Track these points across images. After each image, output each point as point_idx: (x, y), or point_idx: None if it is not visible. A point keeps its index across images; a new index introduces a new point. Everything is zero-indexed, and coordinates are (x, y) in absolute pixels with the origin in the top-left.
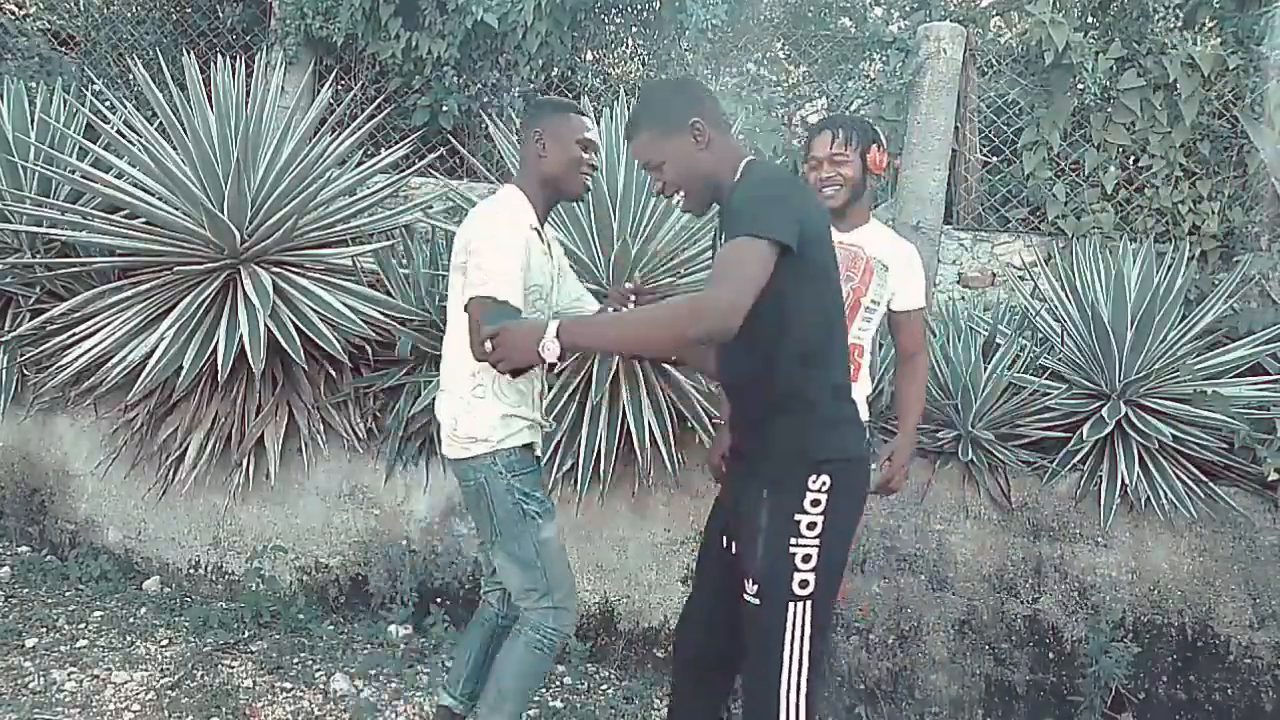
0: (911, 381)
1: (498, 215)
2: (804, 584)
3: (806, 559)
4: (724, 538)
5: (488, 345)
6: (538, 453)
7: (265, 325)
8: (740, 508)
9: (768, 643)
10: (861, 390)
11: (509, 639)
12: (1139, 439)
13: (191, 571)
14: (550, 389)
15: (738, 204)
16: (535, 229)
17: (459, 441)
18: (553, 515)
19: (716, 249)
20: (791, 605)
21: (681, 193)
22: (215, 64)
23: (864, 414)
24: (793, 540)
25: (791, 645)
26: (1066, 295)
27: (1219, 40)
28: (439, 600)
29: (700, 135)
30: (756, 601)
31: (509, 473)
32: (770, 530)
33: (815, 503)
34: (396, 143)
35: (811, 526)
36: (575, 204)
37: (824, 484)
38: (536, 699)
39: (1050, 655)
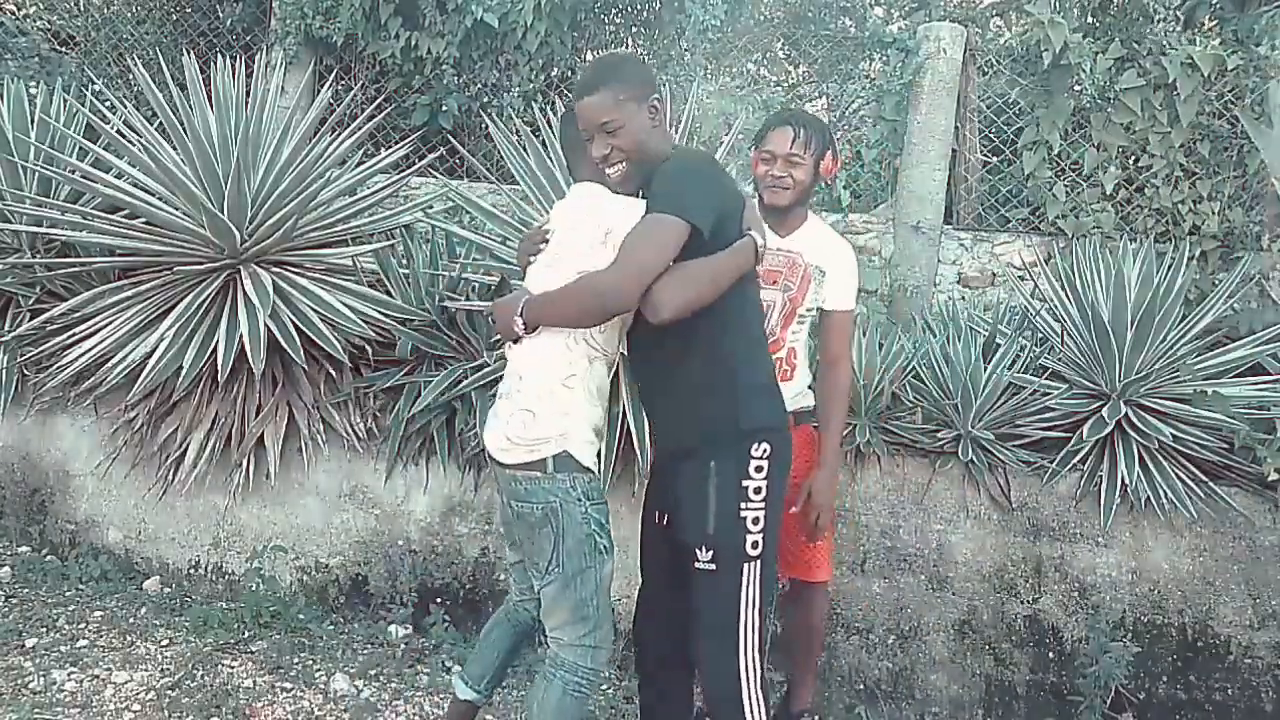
0: (833, 394)
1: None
2: (755, 545)
3: (756, 521)
4: (661, 516)
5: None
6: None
7: (265, 325)
8: (679, 490)
9: (726, 604)
10: (796, 387)
11: (544, 682)
12: (1139, 439)
13: (191, 571)
14: None
15: (658, 183)
16: None
17: (524, 445)
18: (612, 552)
19: None
20: (746, 566)
21: (622, 165)
22: (215, 64)
23: (801, 407)
24: (742, 505)
25: (747, 604)
26: (1066, 295)
27: (1219, 40)
28: (439, 600)
29: (655, 113)
30: (712, 566)
31: (586, 500)
32: (720, 497)
33: (759, 468)
34: (396, 143)
35: (758, 491)
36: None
37: (765, 450)
38: None
39: (1050, 655)
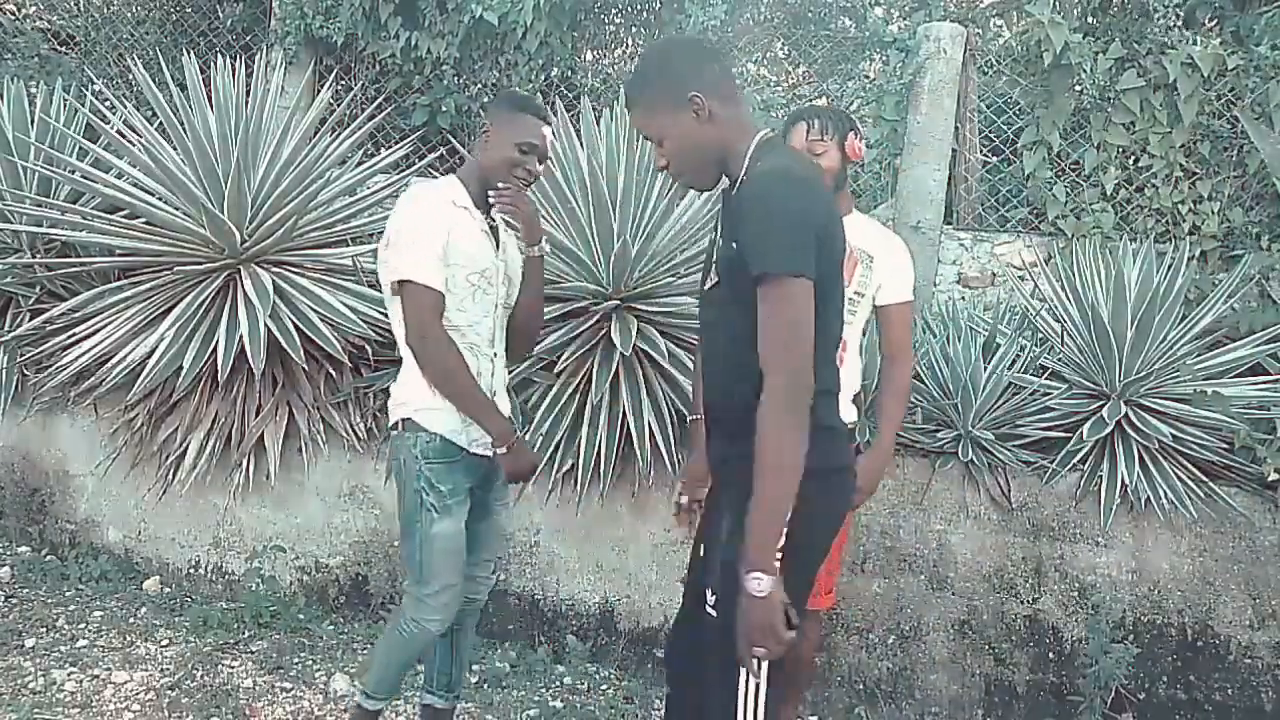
0: (891, 392)
1: (408, 204)
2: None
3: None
4: (701, 547)
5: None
6: (479, 451)
7: (265, 325)
8: (708, 523)
9: (722, 661)
10: (847, 387)
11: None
12: (1139, 439)
13: (191, 571)
14: (550, 389)
15: (755, 229)
16: (464, 207)
17: (392, 407)
18: (453, 514)
19: (715, 242)
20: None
21: (681, 172)
22: (215, 64)
23: (850, 415)
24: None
25: (748, 670)
26: (1066, 295)
27: (1219, 40)
28: None
29: (700, 110)
30: (714, 614)
31: (423, 459)
32: (730, 541)
33: None
34: (396, 143)
35: None
36: (575, 203)
37: None
38: (536, 699)
39: (1050, 655)
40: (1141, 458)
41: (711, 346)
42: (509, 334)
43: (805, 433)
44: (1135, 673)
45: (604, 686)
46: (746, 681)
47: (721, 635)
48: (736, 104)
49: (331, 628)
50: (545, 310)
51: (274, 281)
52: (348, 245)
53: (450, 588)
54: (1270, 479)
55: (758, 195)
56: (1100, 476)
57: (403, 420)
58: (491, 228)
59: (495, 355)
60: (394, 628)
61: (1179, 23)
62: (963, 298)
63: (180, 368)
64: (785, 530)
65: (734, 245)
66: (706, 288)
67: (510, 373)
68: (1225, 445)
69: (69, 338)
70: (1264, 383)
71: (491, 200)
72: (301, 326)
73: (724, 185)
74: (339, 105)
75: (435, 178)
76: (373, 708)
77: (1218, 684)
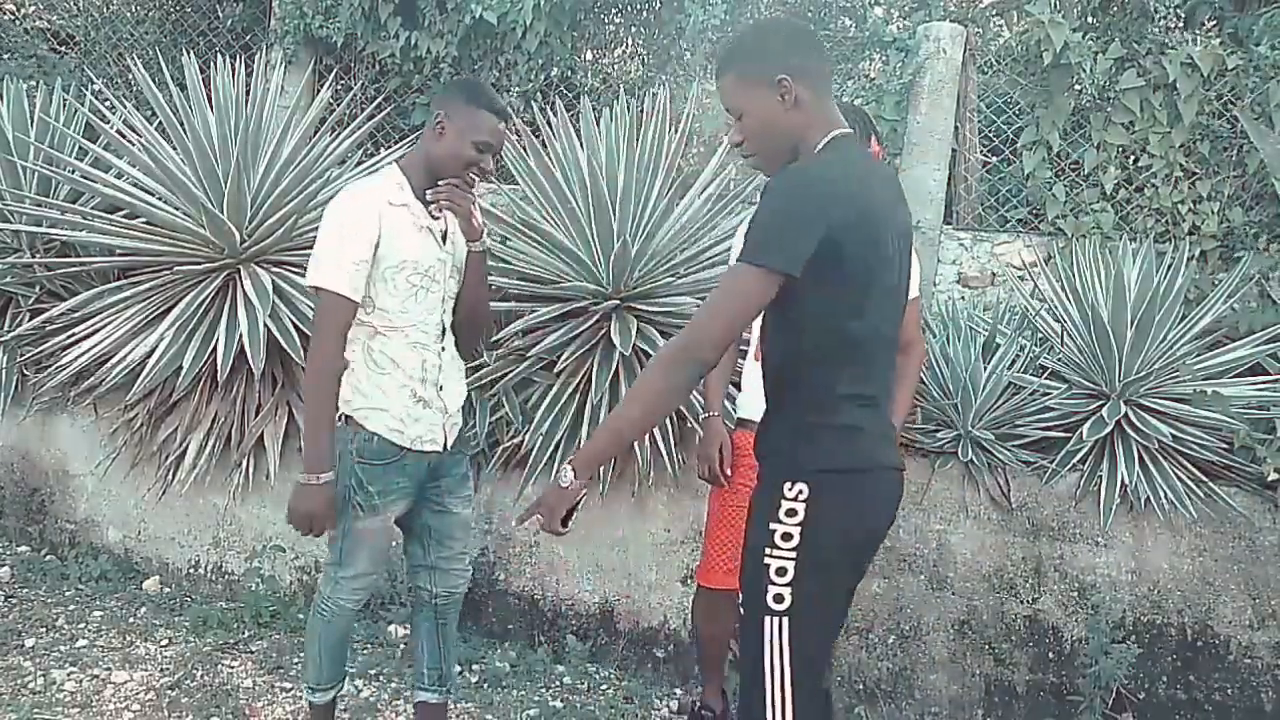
0: (900, 378)
1: (336, 207)
2: (779, 599)
3: (781, 572)
4: None
5: (531, 521)
6: (423, 448)
7: (265, 325)
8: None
9: (749, 657)
10: None
11: None
12: (1139, 439)
13: (191, 571)
14: (550, 389)
15: (753, 220)
16: (402, 205)
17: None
18: (380, 513)
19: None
20: (767, 620)
21: (754, 153)
22: (215, 64)
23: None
24: (768, 551)
25: (771, 663)
26: (1066, 295)
27: (1219, 40)
28: None
29: (787, 93)
30: (742, 611)
31: (356, 455)
32: (750, 538)
33: (791, 512)
34: (396, 142)
35: (787, 538)
36: (575, 203)
37: (800, 493)
38: (536, 699)
39: (1050, 655)
40: (1141, 458)
41: (760, 345)
42: (455, 330)
43: (674, 394)
44: (1135, 673)
45: (604, 686)
46: (773, 679)
47: (746, 631)
48: (824, 97)
49: None
50: (545, 310)
51: (274, 281)
52: None
53: (366, 576)
54: (1270, 479)
55: (771, 188)
56: (1100, 476)
57: (344, 416)
58: (437, 216)
59: (443, 349)
60: (314, 614)
61: (1179, 23)
62: (962, 298)
63: (180, 368)
64: (799, 528)
65: None
66: None
67: (511, 373)
68: (1225, 445)
69: (69, 338)
70: (1264, 383)
71: (430, 197)
72: (301, 326)
73: None
74: (339, 105)
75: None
76: (321, 700)
77: (1218, 684)
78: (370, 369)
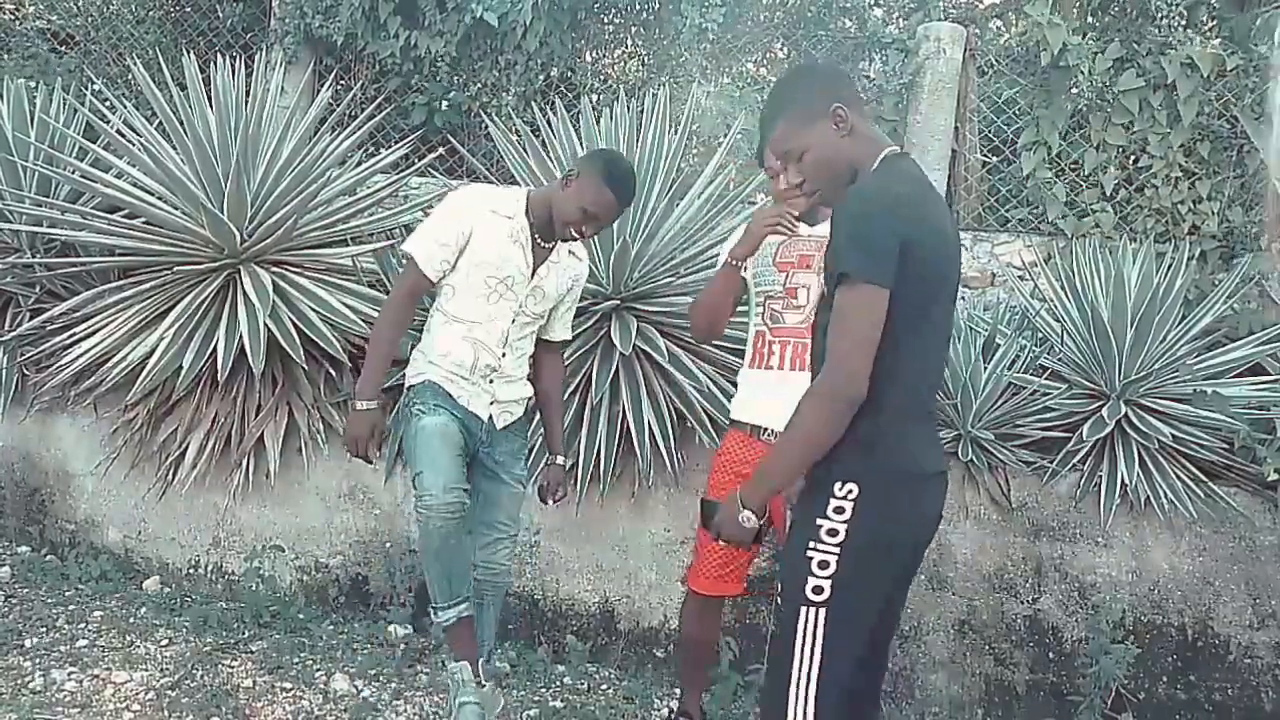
0: None
1: (445, 199)
2: (818, 590)
3: (823, 565)
4: None
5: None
6: (469, 407)
7: (265, 325)
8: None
9: (780, 645)
10: None
11: None
12: (1139, 439)
13: (191, 571)
14: None
15: (839, 237)
16: (508, 217)
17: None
18: (437, 414)
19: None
20: (803, 610)
21: (817, 190)
22: (215, 64)
23: None
24: (811, 543)
25: (800, 653)
26: (1066, 295)
27: (1218, 40)
28: None
29: (842, 122)
30: (779, 601)
31: (418, 390)
32: (794, 530)
33: (839, 509)
34: (396, 142)
35: (833, 533)
36: None
37: (850, 492)
38: (536, 699)
39: (1050, 655)
40: (1141, 458)
41: (818, 349)
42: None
43: (836, 432)
44: (1135, 673)
45: (604, 686)
46: (801, 669)
47: (780, 620)
48: (869, 122)
49: (331, 628)
50: None
51: (274, 281)
52: (347, 245)
53: (435, 472)
54: (1270, 479)
55: (846, 207)
56: (1100, 476)
57: (407, 388)
58: (541, 247)
59: (504, 356)
60: (419, 532)
61: (1180, 24)
62: (963, 298)
63: (180, 368)
64: (845, 524)
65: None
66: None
67: None
68: (1225, 445)
69: (69, 338)
70: (1264, 383)
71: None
72: (301, 326)
73: None
74: (339, 105)
75: (434, 177)
76: (443, 619)
77: (1218, 684)
78: (426, 351)
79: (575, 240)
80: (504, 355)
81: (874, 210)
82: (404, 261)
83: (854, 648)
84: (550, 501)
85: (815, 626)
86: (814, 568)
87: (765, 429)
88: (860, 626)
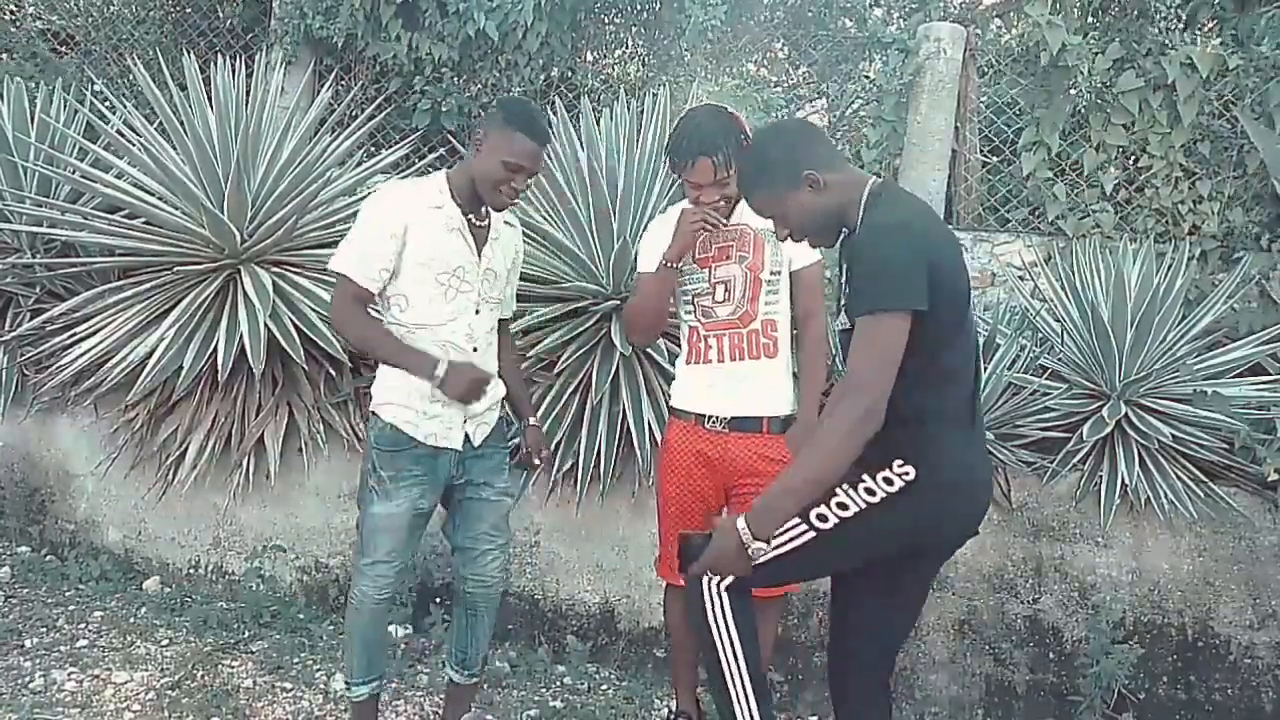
0: (807, 347)
1: (367, 202)
2: (822, 518)
3: (843, 506)
4: None
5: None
6: (436, 444)
7: (265, 325)
8: None
9: (774, 551)
10: (781, 366)
11: None
12: (1139, 439)
13: (191, 571)
14: (550, 389)
15: (859, 272)
16: (437, 207)
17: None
18: (392, 498)
19: (842, 286)
20: (799, 525)
21: (805, 238)
22: (215, 64)
23: (789, 393)
24: (845, 488)
25: (788, 556)
26: (1066, 295)
27: (1219, 40)
28: (439, 600)
29: (816, 184)
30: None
31: (375, 444)
32: (834, 483)
33: (888, 480)
34: (396, 143)
35: (870, 492)
36: (575, 203)
37: (907, 473)
38: (536, 699)
39: (1050, 655)
40: (1141, 458)
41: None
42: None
43: (856, 453)
44: (1135, 673)
45: (604, 686)
46: (782, 572)
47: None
48: (841, 166)
49: (331, 628)
50: (545, 310)
51: (274, 281)
52: None
53: (386, 564)
54: (1270, 479)
55: (864, 243)
56: (1100, 476)
57: (372, 411)
58: (478, 227)
59: (474, 351)
60: (347, 606)
61: (1180, 24)
62: None
63: (180, 368)
64: (883, 493)
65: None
66: (840, 329)
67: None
68: (1225, 445)
69: (69, 338)
70: (1264, 383)
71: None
72: (301, 326)
73: (844, 234)
74: (339, 105)
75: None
76: (357, 695)
77: (1218, 684)
78: (386, 377)
79: (510, 203)
80: (475, 350)
81: (898, 240)
82: (335, 281)
83: (812, 571)
84: (537, 462)
85: (801, 542)
86: (833, 504)
87: (709, 416)
88: (834, 561)
